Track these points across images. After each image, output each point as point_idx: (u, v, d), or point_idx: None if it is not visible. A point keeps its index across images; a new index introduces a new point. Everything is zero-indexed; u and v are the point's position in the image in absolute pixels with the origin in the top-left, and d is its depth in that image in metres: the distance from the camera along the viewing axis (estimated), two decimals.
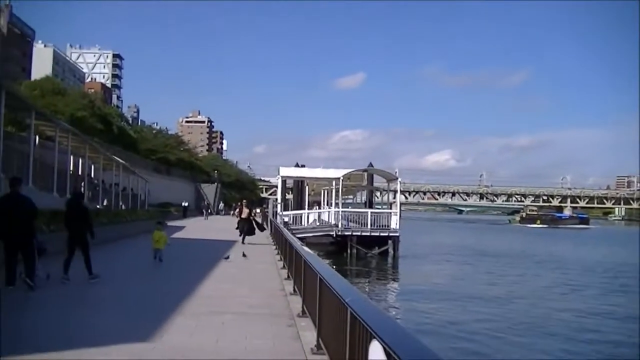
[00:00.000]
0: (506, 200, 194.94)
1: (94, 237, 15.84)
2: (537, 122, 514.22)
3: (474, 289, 32.75)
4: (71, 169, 35.20)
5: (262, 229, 32.19)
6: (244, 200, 35.91)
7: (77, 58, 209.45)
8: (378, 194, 63.61)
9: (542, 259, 54.90)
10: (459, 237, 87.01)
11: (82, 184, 36.70)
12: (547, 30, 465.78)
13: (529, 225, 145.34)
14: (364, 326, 4.66)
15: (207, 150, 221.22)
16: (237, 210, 33.83)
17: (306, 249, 12.65)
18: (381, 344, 3.98)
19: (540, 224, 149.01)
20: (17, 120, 32.02)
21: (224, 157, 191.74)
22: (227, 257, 21.69)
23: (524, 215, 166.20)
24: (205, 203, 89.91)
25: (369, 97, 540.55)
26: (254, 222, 32.42)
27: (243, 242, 29.22)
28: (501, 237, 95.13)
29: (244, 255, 22.61)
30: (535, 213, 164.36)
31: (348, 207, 55.78)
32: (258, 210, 73.34)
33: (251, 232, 31.06)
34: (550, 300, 29.69)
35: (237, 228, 31.82)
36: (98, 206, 36.35)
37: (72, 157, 35.32)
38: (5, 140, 24.06)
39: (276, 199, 57.14)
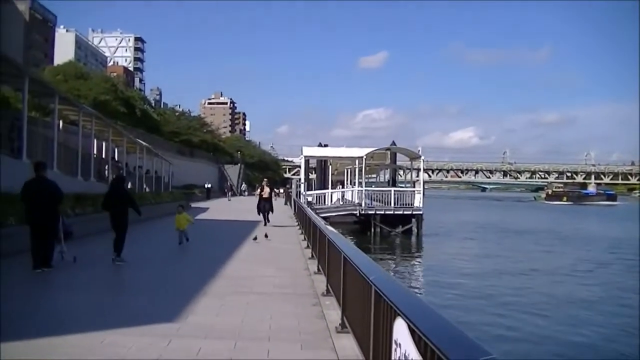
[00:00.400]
0: (530, 178, 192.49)
1: (140, 214, 16.70)
2: (561, 99, 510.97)
3: (499, 266, 32.46)
4: (95, 152, 35.40)
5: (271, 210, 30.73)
6: (266, 180, 34.97)
7: (99, 42, 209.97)
8: (401, 172, 63.33)
9: (568, 235, 54.01)
10: (484, 215, 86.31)
11: (106, 167, 36.91)
12: (573, 4, 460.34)
13: (554, 203, 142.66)
14: (388, 304, 4.64)
15: (230, 132, 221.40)
16: (259, 189, 31.70)
17: (330, 228, 12.63)
18: (405, 322, 3.96)
19: (567, 200, 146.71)
20: (41, 106, 32.19)
21: (246, 138, 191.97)
22: (255, 238, 21.58)
23: (549, 192, 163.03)
24: (228, 184, 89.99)
25: (392, 76, 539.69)
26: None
27: (266, 223, 28.57)
28: (527, 214, 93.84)
29: (266, 236, 22.56)
30: (561, 190, 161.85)
31: (371, 186, 55.71)
32: (281, 190, 73.44)
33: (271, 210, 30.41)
34: (575, 277, 29.31)
35: (258, 206, 30.52)
36: None
37: (95, 141, 35.52)
38: (29, 125, 24.23)
39: (299, 179, 57.18)
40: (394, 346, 4.28)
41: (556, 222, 73.39)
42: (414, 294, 4.69)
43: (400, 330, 4.09)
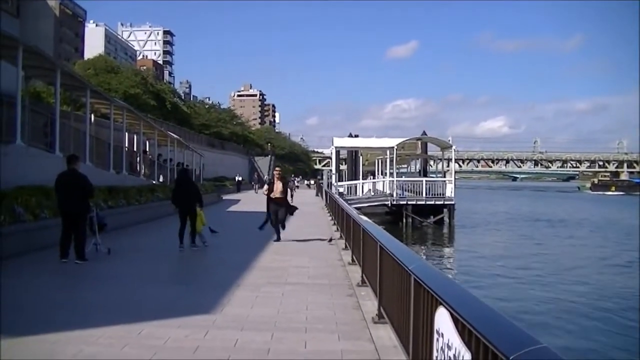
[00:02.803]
0: (561, 167, 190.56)
1: (202, 206, 17.18)
2: (593, 87, 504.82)
3: (539, 259, 31.22)
4: (127, 145, 35.65)
5: (293, 209, 19.84)
6: (278, 169, 20.21)
7: (129, 36, 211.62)
8: (432, 162, 63.04)
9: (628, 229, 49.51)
10: (521, 205, 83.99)
11: (138, 159, 37.14)
12: None
13: (602, 193, 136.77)
14: (429, 293, 4.55)
15: (260, 124, 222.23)
16: (266, 186, 19.79)
17: (364, 217, 12.55)
18: (448, 311, 3.89)
19: (616, 190, 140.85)
20: (72, 99, 32.46)
21: (276, 130, 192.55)
22: (330, 240, 19.11)
23: (595, 182, 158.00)
24: (255, 176, 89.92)
25: (422, 65, 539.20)
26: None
27: (279, 238, 18.43)
28: (577, 206, 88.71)
29: (330, 240, 19.05)
30: (609, 179, 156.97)
31: (402, 176, 55.51)
32: (312, 182, 72.70)
33: (291, 211, 19.51)
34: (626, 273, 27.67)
35: (267, 212, 19.16)
36: (154, 182, 36.77)
37: (127, 134, 35.76)
38: (61, 119, 24.43)
39: (330, 170, 57.20)
40: (435, 336, 4.21)
41: (611, 214, 69.37)
42: (456, 282, 4.60)
43: (443, 319, 4.02)
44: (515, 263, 29.45)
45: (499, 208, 75.37)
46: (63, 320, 8.10)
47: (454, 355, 3.66)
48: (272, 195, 18.60)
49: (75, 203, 13.32)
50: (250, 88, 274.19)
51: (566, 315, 18.43)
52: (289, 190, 20.72)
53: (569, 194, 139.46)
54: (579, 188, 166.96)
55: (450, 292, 4.26)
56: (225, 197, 51.18)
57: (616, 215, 66.57)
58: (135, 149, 38.58)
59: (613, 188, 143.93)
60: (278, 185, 18.63)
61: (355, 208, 18.39)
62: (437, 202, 45.78)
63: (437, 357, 4.14)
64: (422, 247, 35.13)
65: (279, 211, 18.59)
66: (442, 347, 3.99)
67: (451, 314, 3.81)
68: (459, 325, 3.63)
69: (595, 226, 53.40)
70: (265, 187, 19.63)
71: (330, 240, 18.93)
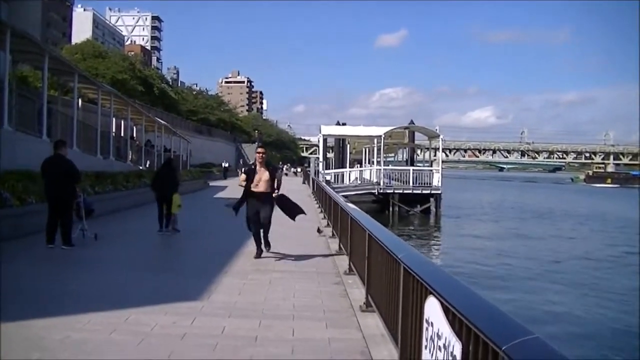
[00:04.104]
0: (547, 158, 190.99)
1: (177, 191, 17.45)
2: (580, 79, 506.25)
3: (528, 249, 31.34)
4: (114, 130, 35.47)
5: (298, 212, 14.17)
6: (262, 150, 13.41)
7: (116, 21, 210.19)
8: (419, 151, 63.15)
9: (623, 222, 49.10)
10: (515, 197, 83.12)
11: (128, 145, 37.02)
12: None
13: (597, 185, 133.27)
14: (419, 282, 4.56)
15: (247, 111, 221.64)
16: (242, 175, 13.46)
17: (352, 205, 12.55)
18: (438, 300, 3.89)
19: (611, 183, 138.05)
20: (60, 84, 32.26)
21: (264, 117, 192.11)
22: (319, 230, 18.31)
23: (590, 174, 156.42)
24: (241, 162, 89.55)
25: (411, 54, 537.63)
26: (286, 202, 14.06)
27: (260, 254, 13.00)
28: (573, 197, 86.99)
29: (318, 230, 18.42)
30: (603, 171, 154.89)
31: (389, 165, 55.62)
32: (299, 169, 72.11)
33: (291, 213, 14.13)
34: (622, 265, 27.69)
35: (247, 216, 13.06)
36: (141, 167, 36.65)
37: (114, 119, 35.59)
38: (49, 103, 24.29)
39: (317, 158, 57.17)
40: (425, 325, 4.21)
41: (607, 207, 67.88)
42: (446, 272, 4.59)
43: (432, 308, 4.02)
44: (507, 254, 29.38)
45: (491, 198, 75.51)
46: (50, 306, 8.06)
47: (444, 345, 3.67)
48: (253, 189, 12.64)
49: (60, 188, 13.28)
50: (238, 75, 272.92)
51: (564, 310, 18.37)
52: (276, 180, 13.00)
53: (562, 186, 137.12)
54: (572, 179, 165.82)
55: (440, 281, 4.26)
56: (212, 183, 51.03)
57: (615, 208, 65.12)
58: (122, 135, 38.39)
59: (609, 180, 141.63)
60: (262, 175, 12.69)
61: (342, 196, 18.40)
62: (424, 192, 45.94)
63: (426, 346, 4.15)
64: (409, 235, 35.10)
65: (262, 210, 12.70)
66: (431, 336, 4.00)
67: (441, 303, 3.81)
68: (449, 314, 3.63)
69: (599, 219, 52.49)
70: (242, 176, 13.18)
71: (319, 230, 18.18)
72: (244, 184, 12.76)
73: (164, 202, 16.93)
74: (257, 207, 12.63)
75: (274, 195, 12.89)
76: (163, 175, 17.62)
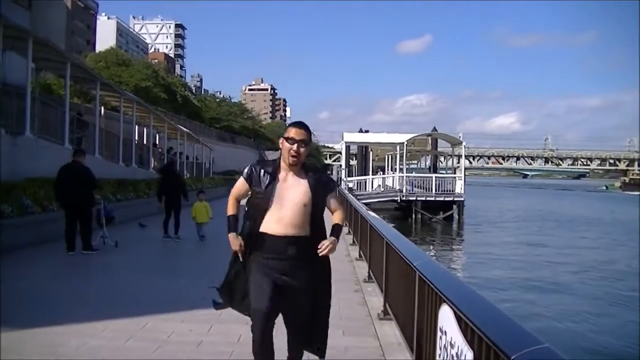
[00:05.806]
0: (571, 164, 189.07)
1: (187, 199, 17.53)
2: (605, 83, 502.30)
3: (554, 258, 30.04)
4: (136, 138, 35.68)
5: None
6: (302, 136, 5.26)
7: (140, 29, 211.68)
8: (442, 158, 62.96)
9: None
10: (541, 204, 79.18)
11: (150, 152, 37.20)
12: None
13: (636, 193, 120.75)
14: (433, 290, 4.52)
15: (271, 118, 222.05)
16: (240, 182, 5.40)
17: (372, 213, 12.52)
18: (451, 308, 3.85)
19: None
20: (83, 92, 32.55)
21: (287, 124, 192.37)
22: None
23: (626, 181, 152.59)
24: None
25: (435, 60, 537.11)
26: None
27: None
28: (619, 207, 78.39)
29: None
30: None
31: (412, 172, 55.53)
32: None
33: None
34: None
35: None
36: None
37: (137, 127, 35.79)
38: (71, 111, 24.49)
39: (340, 165, 57.21)
40: (439, 333, 4.17)
41: None
42: (460, 280, 4.56)
43: (446, 317, 3.98)
44: (524, 261, 29.06)
45: (521, 204, 73.96)
46: (68, 313, 8.10)
47: (457, 354, 3.62)
48: (268, 228, 5.21)
49: (73, 195, 13.39)
50: (262, 82, 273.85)
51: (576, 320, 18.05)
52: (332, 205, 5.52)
53: (599, 194, 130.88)
54: (606, 187, 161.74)
55: (454, 289, 4.22)
56: None
57: None
58: (145, 142, 38.61)
59: None
60: (295, 191, 5.19)
61: (365, 203, 18.45)
62: (446, 199, 45.79)
63: (440, 354, 4.11)
64: (431, 243, 34.95)
65: (293, 289, 5.33)
66: (445, 345, 3.96)
67: (454, 312, 3.78)
68: (462, 323, 3.59)
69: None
70: (238, 185, 5.49)
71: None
72: (232, 203, 5.57)
73: (172, 208, 16.87)
74: (275, 276, 5.25)
75: (326, 247, 4.98)
76: (169, 180, 17.40)
